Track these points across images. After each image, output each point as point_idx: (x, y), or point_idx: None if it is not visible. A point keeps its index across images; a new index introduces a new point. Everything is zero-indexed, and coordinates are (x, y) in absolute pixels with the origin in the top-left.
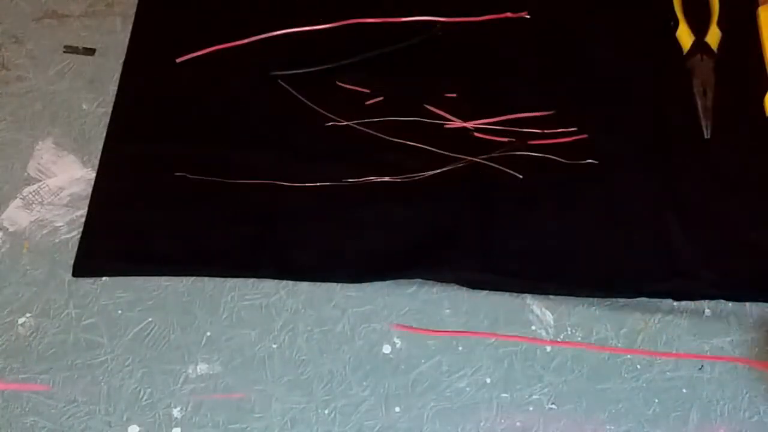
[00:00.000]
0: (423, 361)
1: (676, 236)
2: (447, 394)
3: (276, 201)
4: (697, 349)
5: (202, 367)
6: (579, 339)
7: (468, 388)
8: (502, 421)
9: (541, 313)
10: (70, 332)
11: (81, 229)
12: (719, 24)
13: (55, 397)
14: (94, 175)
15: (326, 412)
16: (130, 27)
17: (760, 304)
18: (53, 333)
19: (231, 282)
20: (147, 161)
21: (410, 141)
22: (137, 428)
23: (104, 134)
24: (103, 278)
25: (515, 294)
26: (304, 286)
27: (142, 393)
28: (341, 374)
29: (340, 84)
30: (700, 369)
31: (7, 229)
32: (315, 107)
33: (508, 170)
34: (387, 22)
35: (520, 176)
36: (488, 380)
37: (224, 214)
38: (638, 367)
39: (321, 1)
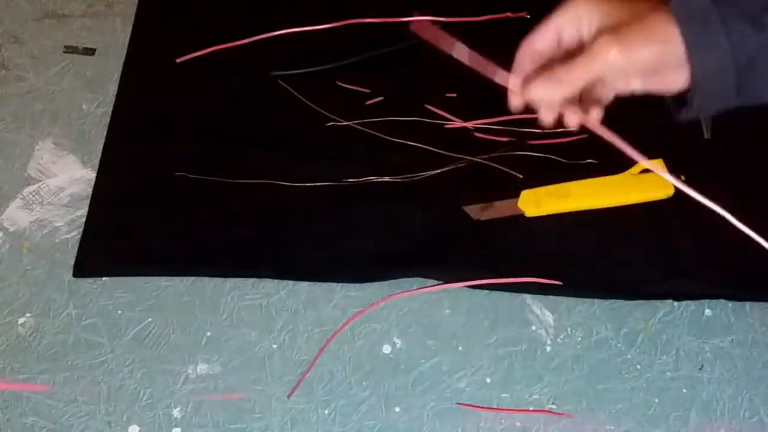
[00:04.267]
0: (423, 361)
1: (676, 236)
2: (447, 394)
3: (276, 201)
4: (698, 349)
5: (202, 367)
6: (579, 339)
7: (468, 388)
8: (502, 421)
9: (541, 313)
10: (70, 332)
11: (81, 229)
12: None
13: (55, 397)
14: (94, 175)
15: (326, 412)
16: (130, 27)
17: (760, 304)
18: (53, 333)
19: (231, 282)
20: (147, 161)
21: (410, 141)
22: (137, 428)
23: (104, 134)
24: (103, 278)
25: (515, 294)
26: (304, 286)
27: (142, 393)
28: (341, 374)
29: (340, 84)
30: (700, 369)
31: (7, 229)
32: (315, 107)
33: (508, 170)
34: (387, 22)
35: (521, 176)
36: (488, 380)
37: (224, 214)
38: (638, 367)
39: (321, 1)
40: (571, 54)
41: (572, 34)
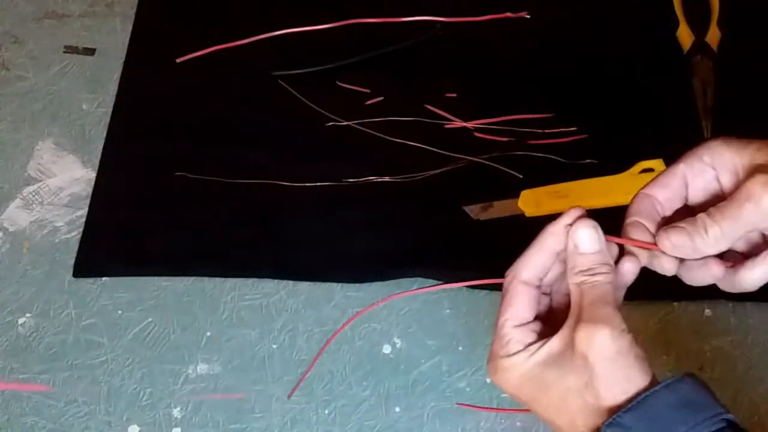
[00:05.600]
0: (423, 361)
1: None
2: (447, 394)
3: (276, 201)
4: (697, 350)
5: (202, 367)
6: None
7: (468, 388)
8: (502, 421)
9: None
10: (70, 332)
11: (81, 229)
12: (719, 24)
13: (55, 397)
14: (94, 175)
15: (326, 412)
16: (130, 27)
17: (760, 304)
18: (53, 333)
19: (231, 282)
20: (147, 161)
21: (410, 141)
22: (137, 428)
23: (104, 134)
24: (103, 278)
25: None
26: (304, 286)
27: (142, 393)
28: (341, 374)
29: (340, 84)
30: (700, 369)
31: (7, 229)
32: (315, 107)
33: (508, 170)
34: (387, 22)
35: (521, 176)
36: (488, 380)
37: (224, 214)
38: None
39: (321, 1)
40: (701, 207)
41: (704, 184)
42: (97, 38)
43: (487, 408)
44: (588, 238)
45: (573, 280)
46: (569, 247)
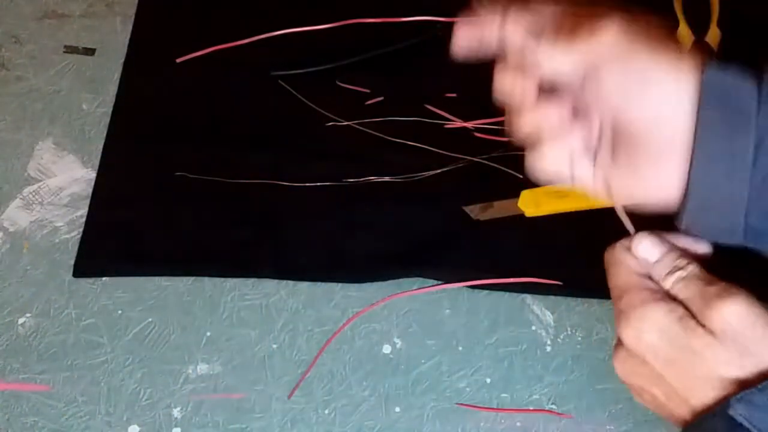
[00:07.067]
0: (423, 361)
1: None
2: (447, 394)
3: (276, 201)
4: None
5: (202, 367)
6: (579, 339)
7: (468, 388)
8: (502, 421)
9: (541, 313)
10: (70, 332)
11: (81, 229)
12: (719, 24)
13: (55, 397)
14: (94, 175)
15: (326, 412)
16: (130, 27)
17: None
18: (53, 333)
19: (231, 282)
20: (147, 161)
21: (410, 141)
22: (137, 428)
23: (104, 134)
24: (103, 278)
25: (515, 294)
26: (304, 286)
27: (142, 393)
28: (341, 374)
29: (340, 84)
30: None
31: (7, 229)
32: (315, 107)
33: (508, 170)
34: (387, 22)
35: (521, 176)
36: (488, 380)
37: (224, 214)
38: None
39: (321, 1)
40: None
41: None
42: (97, 38)
43: (487, 408)
44: (651, 247)
45: (666, 284)
46: (644, 263)
